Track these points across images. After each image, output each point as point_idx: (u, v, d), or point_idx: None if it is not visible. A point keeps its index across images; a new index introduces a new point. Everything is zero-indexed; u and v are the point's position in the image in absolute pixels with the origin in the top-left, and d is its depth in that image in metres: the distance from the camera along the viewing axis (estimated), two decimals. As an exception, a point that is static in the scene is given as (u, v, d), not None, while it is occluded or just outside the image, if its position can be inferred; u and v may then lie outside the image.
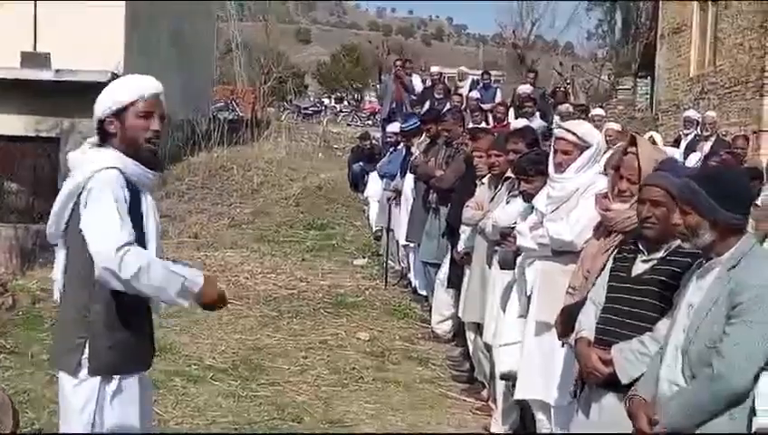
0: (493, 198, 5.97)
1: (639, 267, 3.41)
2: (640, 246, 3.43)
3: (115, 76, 13.34)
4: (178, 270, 3.14)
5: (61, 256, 3.29)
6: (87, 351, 3.15)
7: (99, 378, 3.16)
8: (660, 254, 3.36)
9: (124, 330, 3.19)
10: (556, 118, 11.46)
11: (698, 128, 12.14)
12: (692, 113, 12.71)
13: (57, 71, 12.92)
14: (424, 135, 8.94)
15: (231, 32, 39.92)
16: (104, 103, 3.23)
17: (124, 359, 3.21)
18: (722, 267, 2.91)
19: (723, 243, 2.92)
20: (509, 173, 5.81)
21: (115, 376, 3.19)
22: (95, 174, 3.11)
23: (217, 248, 11.21)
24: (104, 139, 3.24)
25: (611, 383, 3.33)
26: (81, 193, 3.12)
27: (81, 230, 3.10)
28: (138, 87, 3.26)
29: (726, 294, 2.84)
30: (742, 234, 2.95)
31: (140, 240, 3.16)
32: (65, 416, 3.25)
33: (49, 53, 12.94)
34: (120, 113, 3.21)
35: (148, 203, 3.28)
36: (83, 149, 3.26)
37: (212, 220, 12.83)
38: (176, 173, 14.59)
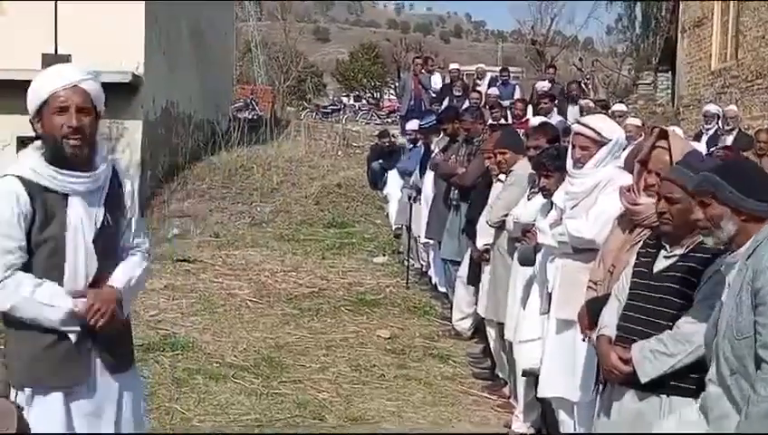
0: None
1: (661, 263, 3.39)
2: (663, 242, 3.41)
3: (135, 77, 13.46)
4: (57, 302, 3.00)
5: None
6: (8, 363, 3.08)
7: (16, 390, 3.06)
8: (682, 250, 3.33)
9: (34, 342, 3.04)
10: (572, 110, 11.39)
11: (719, 122, 12.03)
12: (712, 107, 12.59)
13: (78, 72, 13.00)
14: (442, 134, 8.94)
15: (250, 31, 40.15)
16: (29, 103, 3.05)
17: (35, 373, 3.05)
18: (741, 259, 2.88)
19: (744, 234, 2.88)
20: (513, 167, 5.89)
21: (26, 389, 3.06)
22: None
23: (238, 247, 11.27)
24: (41, 144, 3.08)
25: (632, 382, 3.31)
26: None
27: None
28: (49, 82, 3.05)
29: (746, 284, 2.80)
30: (764, 223, 2.91)
31: (59, 249, 3.04)
32: None
33: (69, 55, 13.02)
34: (40, 113, 3.05)
35: (74, 207, 3.07)
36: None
37: (232, 219, 12.89)
38: (196, 173, 14.68)
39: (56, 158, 3.04)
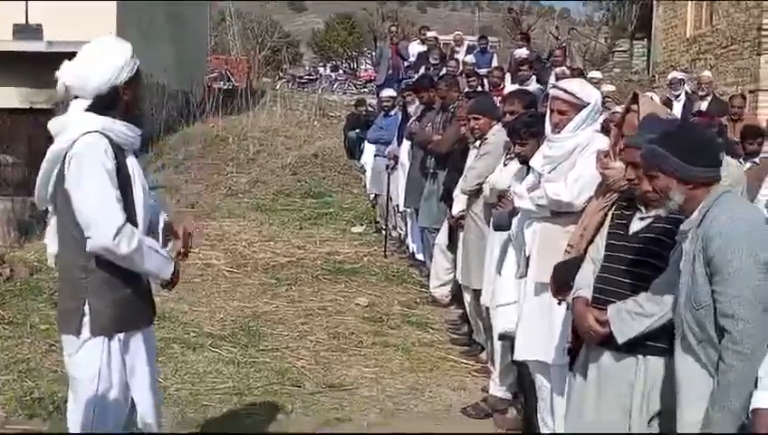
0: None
1: (637, 225, 3.40)
2: (638, 204, 3.41)
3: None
4: (161, 250, 3.32)
5: (53, 221, 3.30)
6: (87, 311, 3.18)
7: (102, 337, 3.19)
8: (656, 211, 3.34)
9: (123, 288, 3.22)
10: (551, 79, 11.35)
11: (687, 87, 12.05)
12: (677, 74, 12.58)
13: (49, 42, 12.81)
14: (417, 102, 8.90)
15: (224, 1, 39.64)
16: (118, 70, 3.23)
17: (126, 316, 3.24)
18: (693, 228, 2.88)
19: (694, 201, 2.88)
20: (488, 134, 5.92)
21: (119, 334, 3.23)
22: (80, 137, 3.12)
23: (215, 218, 11.20)
24: (107, 106, 3.22)
25: (608, 343, 3.32)
26: (65, 156, 3.13)
27: (69, 194, 3.13)
28: (131, 55, 3.31)
29: (698, 253, 2.81)
30: (713, 186, 2.88)
31: (129, 204, 3.19)
32: (73, 380, 3.27)
33: (41, 25, 12.82)
34: (133, 80, 3.29)
35: (132, 163, 3.29)
36: (68, 113, 3.25)
37: (209, 190, 12.80)
38: (171, 143, 14.54)
39: (136, 116, 3.34)
